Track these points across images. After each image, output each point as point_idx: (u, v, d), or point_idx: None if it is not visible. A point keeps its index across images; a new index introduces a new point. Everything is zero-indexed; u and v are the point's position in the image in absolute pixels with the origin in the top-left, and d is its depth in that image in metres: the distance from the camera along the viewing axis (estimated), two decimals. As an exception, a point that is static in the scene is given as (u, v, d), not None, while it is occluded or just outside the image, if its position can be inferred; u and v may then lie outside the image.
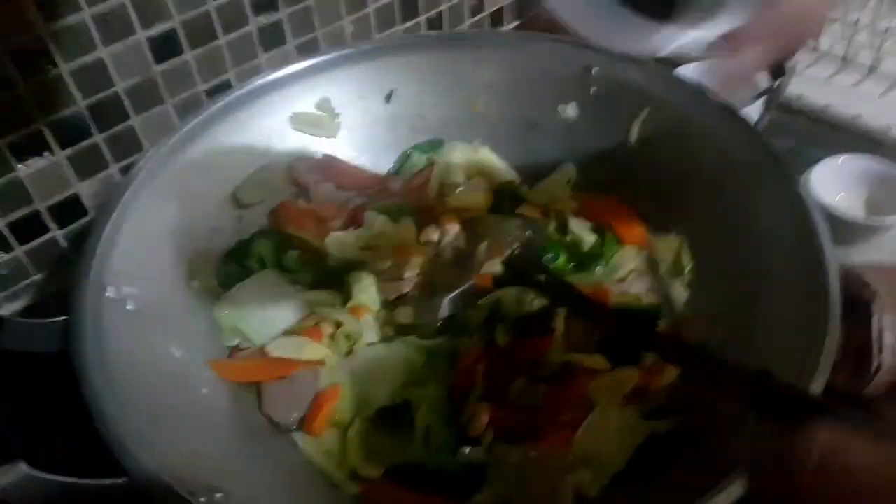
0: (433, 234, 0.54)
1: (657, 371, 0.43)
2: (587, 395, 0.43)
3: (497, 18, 0.78)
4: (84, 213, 0.56)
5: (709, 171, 0.50)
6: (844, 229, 0.53)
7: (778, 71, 0.50)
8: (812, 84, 0.70)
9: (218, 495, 0.33)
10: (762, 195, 0.46)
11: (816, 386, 0.34)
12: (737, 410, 0.34)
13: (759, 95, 0.53)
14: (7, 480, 0.31)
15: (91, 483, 0.32)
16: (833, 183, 0.57)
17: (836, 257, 0.40)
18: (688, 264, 0.50)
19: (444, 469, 0.40)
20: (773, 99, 0.51)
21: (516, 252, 0.49)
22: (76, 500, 0.33)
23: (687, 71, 0.65)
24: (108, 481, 0.32)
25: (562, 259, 0.52)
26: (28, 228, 0.54)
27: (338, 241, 0.51)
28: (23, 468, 0.31)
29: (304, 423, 0.43)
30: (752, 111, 0.52)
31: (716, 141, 0.50)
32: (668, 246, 0.51)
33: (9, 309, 0.55)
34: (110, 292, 0.41)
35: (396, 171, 0.60)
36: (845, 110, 0.67)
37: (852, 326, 0.48)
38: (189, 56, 0.56)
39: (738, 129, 0.49)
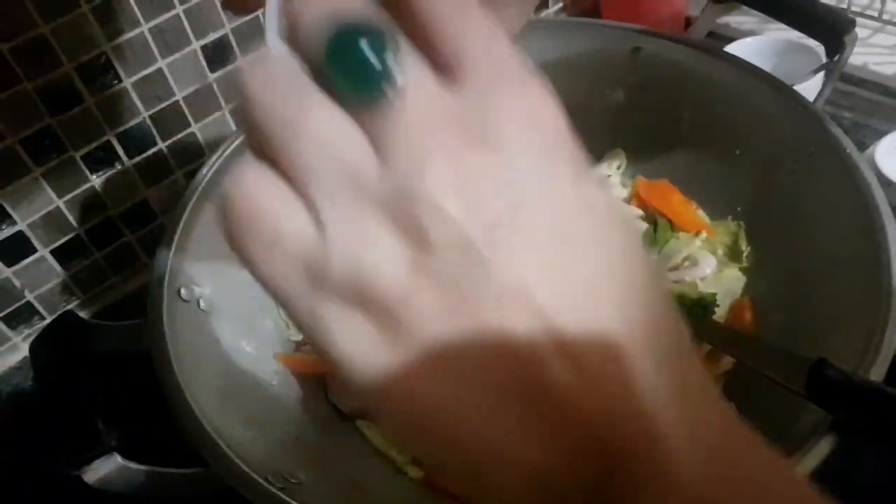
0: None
1: (712, 360, 0.43)
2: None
3: (541, 3, 0.77)
4: (153, 217, 0.59)
5: (763, 152, 0.49)
6: (912, 206, 0.51)
7: (837, 45, 0.48)
8: (876, 53, 0.66)
9: (292, 481, 0.35)
10: (819, 175, 0.45)
11: (877, 374, 0.33)
12: (793, 400, 0.34)
13: (819, 69, 0.51)
14: (104, 471, 0.34)
15: (176, 472, 0.35)
16: (900, 157, 0.54)
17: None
18: (745, 249, 0.49)
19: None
20: (834, 72, 0.49)
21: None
22: (164, 488, 0.35)
23: (739, 48, 0.63)
24: (191, 470, 0.35)
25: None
26: (104, 234, 0.57)
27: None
28: (117, 459, 0.34)
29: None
30: (812, 86, 0.50)
31: (769, 120, 0.48)
32: (726, 231, 0.50)
33: (90, 311, 0.59)
34: (183, 293, 0.43)
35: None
36: (913, 78, 0.63)
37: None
38: (242, 62, 0.58)
39: (793, 108, 0.47)
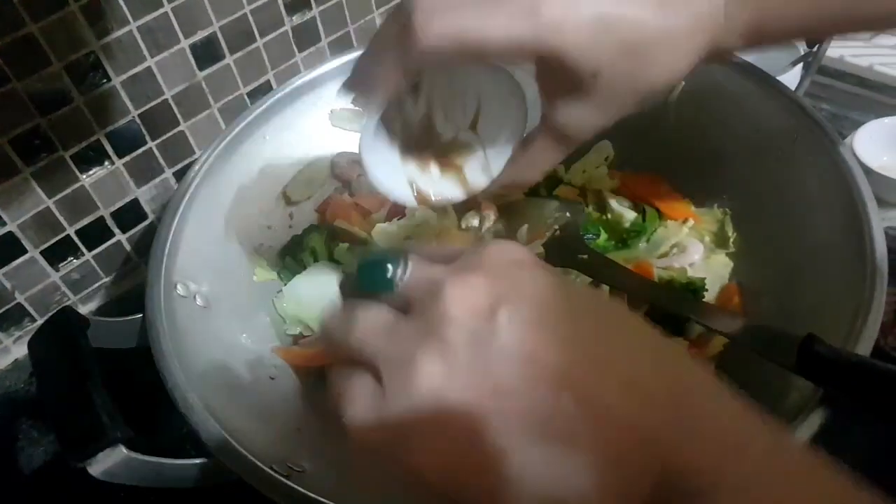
0: (473, 221, 0.56)
1: (704, 342, 0.44)
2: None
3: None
4: (144, 217, 0.59)
5: (748, 142, 0.50)
6: (890, 191, 0.53)
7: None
8: (852, 45, 0.68)
9: (296, 469, 0.35)
10: (803, 163, 0.46)
11: (863, 348, 0.35)
12: (784, 376, 0.35)
13: (797, 61, 0.52)
14: (109, 463, 0.34)
15: (182, 462, 0.35)
16: (878, 145, 0.56)
17: (881, 220, 0.40)
18: (731, 235, 0.50)
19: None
20: (812, 64, 0.51)
21: (556, 234, 0.50)
22: (169, 479, 0.36)
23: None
24: (197, 460, 0.35)
25: (602, 238, 0.52)
26: (95, 234, 0.57)
27: (383, 233, 0.53)
28: (122, 451, 0.34)
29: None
30: (791, 77, 0.52)
31: (753, 111, 0.50)
32: (712, 218, 0.52)
33: (84, 310, 0.58)
34: (179, 290, 0.44)
35: (434, 160, 0.61)
36: (888, 70, 0.65)
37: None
38: (230, 60, 0.59)
39: (775, 98, 0.48)
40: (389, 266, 0.23)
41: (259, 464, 0.34)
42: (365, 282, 0.24)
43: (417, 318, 0.22)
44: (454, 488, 0.21)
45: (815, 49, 0.50)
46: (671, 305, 0.43)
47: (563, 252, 0.49)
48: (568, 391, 0.20)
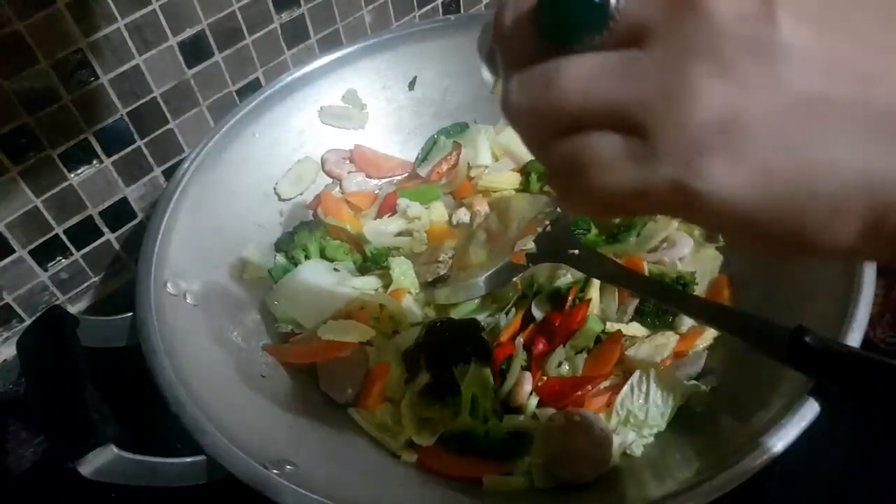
0: (465, 217, 0.56)
1: (694, 335, 0.44)
2: (627, 362, 0.44)
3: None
4: (133, 216, 0.59)
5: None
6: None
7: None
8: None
9: (288, 467, 0.35)
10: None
11: (853, 339, 0.35)
12: (775, 367, 0.35)
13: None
14: (100, 462, 0.33)
15: (174, 462, 0.35)
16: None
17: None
18: (720, 229, 0.51)
19: (492, 435, 0.42)
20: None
21: (547, 229, 0.51)
22: (160, 478, 0.35)
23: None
24: (188, 459, 0.35)
25: (593, 233, 0.53)
26: (84, 234, 0.57)
27: (374, 229, 0.53)
28: (113, 450, 0.34)
29: (359, 399, 0.45)
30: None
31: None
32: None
33: (73, 310, 0.58)
34: (170, 288, 0.43)
35: (424, 157, 0.61)
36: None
37: (893, 281, 0.48)
38: (218, 58, 0.58)
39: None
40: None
41: (250, 461, 0.34)
42: (558, 21, 0.19)
43: (664, 43, 0.18)
44: (772, 216, 0.18)
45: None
46: (662, 299, 0.43)
47: (553, 247, 0.49)
48: (876, 85, 0.17)
